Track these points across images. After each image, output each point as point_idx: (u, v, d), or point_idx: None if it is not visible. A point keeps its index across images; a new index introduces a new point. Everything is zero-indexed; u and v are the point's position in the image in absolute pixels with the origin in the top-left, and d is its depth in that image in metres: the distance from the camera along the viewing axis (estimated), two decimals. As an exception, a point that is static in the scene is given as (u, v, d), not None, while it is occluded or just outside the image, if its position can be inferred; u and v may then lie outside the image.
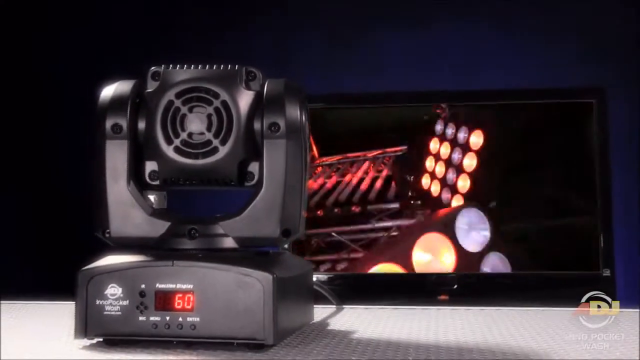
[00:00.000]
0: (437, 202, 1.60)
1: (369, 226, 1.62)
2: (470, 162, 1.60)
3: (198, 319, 0.72)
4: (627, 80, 1.84)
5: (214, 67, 0.78)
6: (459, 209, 1.59)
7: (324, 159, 1.63)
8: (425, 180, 1.62)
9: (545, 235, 1.58)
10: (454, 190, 1.60)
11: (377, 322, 0.91)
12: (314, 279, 0.90)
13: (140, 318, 0.73)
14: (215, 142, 0.76)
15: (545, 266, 1.58)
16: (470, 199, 1.59)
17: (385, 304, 1.05)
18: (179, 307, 0.72)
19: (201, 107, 0.76)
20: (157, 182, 0.79)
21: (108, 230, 0.78)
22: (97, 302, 0.74)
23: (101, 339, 0.74)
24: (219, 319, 0.72)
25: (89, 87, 0.94)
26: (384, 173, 1.63)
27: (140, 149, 0.78)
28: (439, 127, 1.62)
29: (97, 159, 0.78)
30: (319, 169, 1.63)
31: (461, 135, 1.60)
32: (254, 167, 0.78)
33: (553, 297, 1.52)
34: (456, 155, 1.60)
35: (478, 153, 1.59)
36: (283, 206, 0.76)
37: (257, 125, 0.76)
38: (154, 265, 0.74)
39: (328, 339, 0.78)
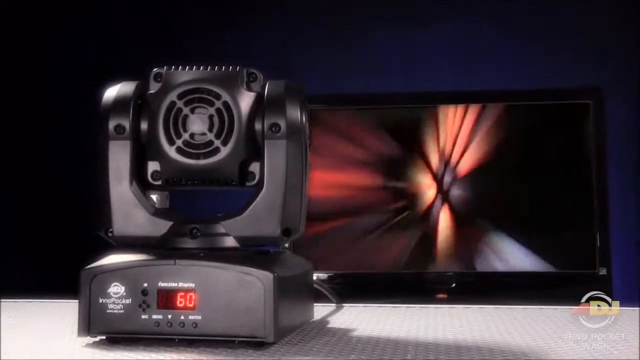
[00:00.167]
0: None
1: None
2: (467, 162, 1.61)
3: (200, 317, 0.73)
4: (624, 81, 1.85)
5: (216, 69, 0.78)
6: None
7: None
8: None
9: (542, 234, 1.59)
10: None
11: (376, 321, 0.91)
12: (314, 277, 0.90)
13: (143, 316, 0.74)
14: (217, 143, 0.76)
15: (542, 265, 1.58)
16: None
17: (385, 303, 1.05)
18: (181, 305, 0.73)
19: (203, 108, 0.77)
20: (159, 182, 0.79)
21: (111, 230, 0.78)
22: (100, 300, 0.74)
23: (104, 337, 0.75)
24: (220, 317, 0.72)
25: (89, 87, 0.95)
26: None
27: (143, 150, 0.79)
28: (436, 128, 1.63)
29: (100, 159, 0.78)
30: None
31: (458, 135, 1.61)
32: (255, 167, 0.78)
33: (550, 296, 1.52)
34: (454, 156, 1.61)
35: (475, 153, 1.60)
36: (283, 206, 0.76)
37: (258, 126, 0.77)
38: (156, 264, 0.74)
39: (328, 337, 0.79)
